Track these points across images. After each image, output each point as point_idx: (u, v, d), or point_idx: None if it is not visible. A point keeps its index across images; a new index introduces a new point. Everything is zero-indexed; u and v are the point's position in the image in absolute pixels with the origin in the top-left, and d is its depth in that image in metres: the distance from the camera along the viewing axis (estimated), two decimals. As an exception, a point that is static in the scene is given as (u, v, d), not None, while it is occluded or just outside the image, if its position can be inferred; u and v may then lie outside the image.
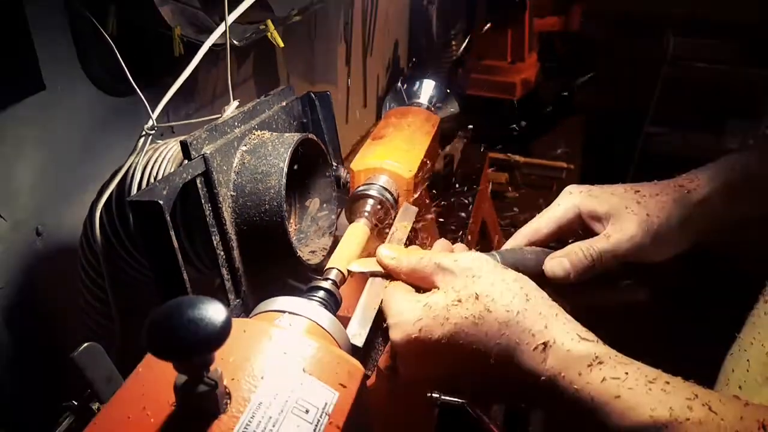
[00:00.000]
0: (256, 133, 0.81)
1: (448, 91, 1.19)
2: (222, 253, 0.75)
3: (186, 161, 0.71)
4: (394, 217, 0.87)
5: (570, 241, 0.80)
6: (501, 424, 1.34)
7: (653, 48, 3.41)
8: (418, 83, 1.19)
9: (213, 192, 0.72)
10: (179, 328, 0.39)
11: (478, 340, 0.60)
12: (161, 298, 0.66)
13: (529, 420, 1.46)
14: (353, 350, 0.64)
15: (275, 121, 0.86)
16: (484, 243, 1.50)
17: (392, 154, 0.93)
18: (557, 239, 0.82)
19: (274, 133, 0.81)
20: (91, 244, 0.81)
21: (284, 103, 0.90)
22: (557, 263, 0.75)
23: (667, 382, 0.53)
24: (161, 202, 0.61)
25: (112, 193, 0.80)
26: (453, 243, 0.79)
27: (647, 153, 3.50)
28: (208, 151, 0.71)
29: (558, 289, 0.73)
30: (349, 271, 0.75)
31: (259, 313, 0.61)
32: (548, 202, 0.85)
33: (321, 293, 0.68)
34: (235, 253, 0.77)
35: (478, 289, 0.62)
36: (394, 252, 0.73)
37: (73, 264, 0.84)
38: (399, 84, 1.18)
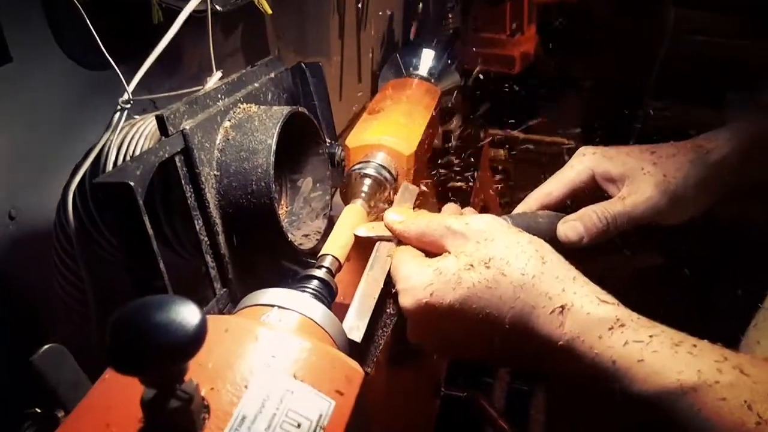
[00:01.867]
0: (241, 106, 0.75)
1: (449, 61, 1.12)
2: (205, 238, 0.69)
3: (163, 138, 0.64)
4: (393, 197, 0.80)
5: (574, 204, 0.79)
6: (503, 409, 1.31)
7: (653, 20, 3.32)
8: (417, 53, 1.11)
9: (194, 172, 0.66)
10: (144, 336, 0.32)
11: (491, 305, 0.57)
12: (136, 290, 0.60)
13: (530, 405, 1.42)
14: (351, 346, 0.58)
15: (263, 94, 0.80)
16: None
17: (390, 130, 0.86)
18: (570, 203, 0.80)
19: (262, 107, 0.75)
20: (65, 228, 0.75)
21: (273, 75, 0.83)
22: (570, 227, 0.73)
23: (694, 345, 0.51)
24: (132, 183, 0.54)
25: (85, 173, 0.74)
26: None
27: (647, 128, 3.43)
28: (187, 127, 0.65)
29: (570, 253, 0.70)
30: (355, 235, 0.72)
31: (245, 307, 0.54)
32: (546, 179, 0.82)
33: (314, 283, 0.61)
34: (220, 238, 0.71)
35: (492, 253, 0.59)
36: (401, 215, 0.70)
37: (48, 249, 0.79)
38: (396, 54, 1.11)
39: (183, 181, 0.66)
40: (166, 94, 0.77)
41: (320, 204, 0.84)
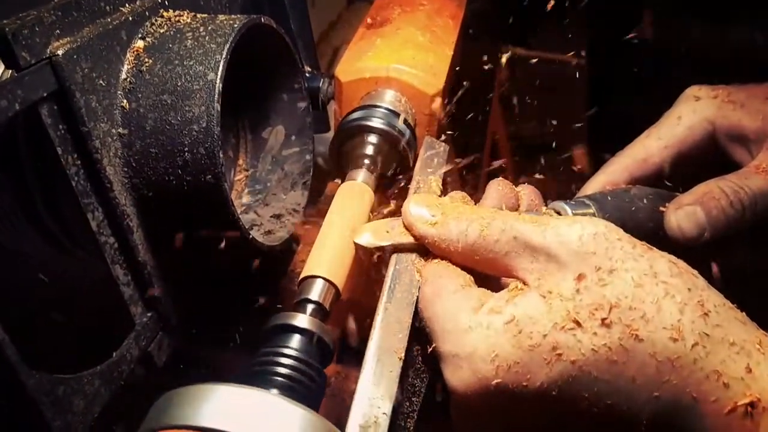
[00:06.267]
0: (166, 14, 0.47)
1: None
2: (110, 239, 0.44)
3: (13, 73, 0.35)
4: (414, 162, 0.52)
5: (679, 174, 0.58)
6: None
7: None
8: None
9: (79, 131, 0.40)
10: None
11: (617, 391, 0.36)
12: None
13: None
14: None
15: (203, -5, 0.51)
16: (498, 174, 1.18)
17: (404, 54, 0.57)
18: (675, 173, 0.59)
19: (200, 16, 0.50)
20: None
21: (220, -36, 0.54)
22: (686, 215, 0.52)
23: None
24: None
25: None
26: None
27: (648, 49, 3.21)
28: (60, 51, 0.37)
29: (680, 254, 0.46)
30: (356, 245, 0.45)
31: (167, 428, 0.27)
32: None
33: (291, 352, 0.34)
34: (136, 236, 0.46)
35: (612, 295, 0.37)
36: (433, 210, 0.45)
37: None
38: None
39: (60, 150, 0.39)
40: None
41: (297, 166, 0.58)
